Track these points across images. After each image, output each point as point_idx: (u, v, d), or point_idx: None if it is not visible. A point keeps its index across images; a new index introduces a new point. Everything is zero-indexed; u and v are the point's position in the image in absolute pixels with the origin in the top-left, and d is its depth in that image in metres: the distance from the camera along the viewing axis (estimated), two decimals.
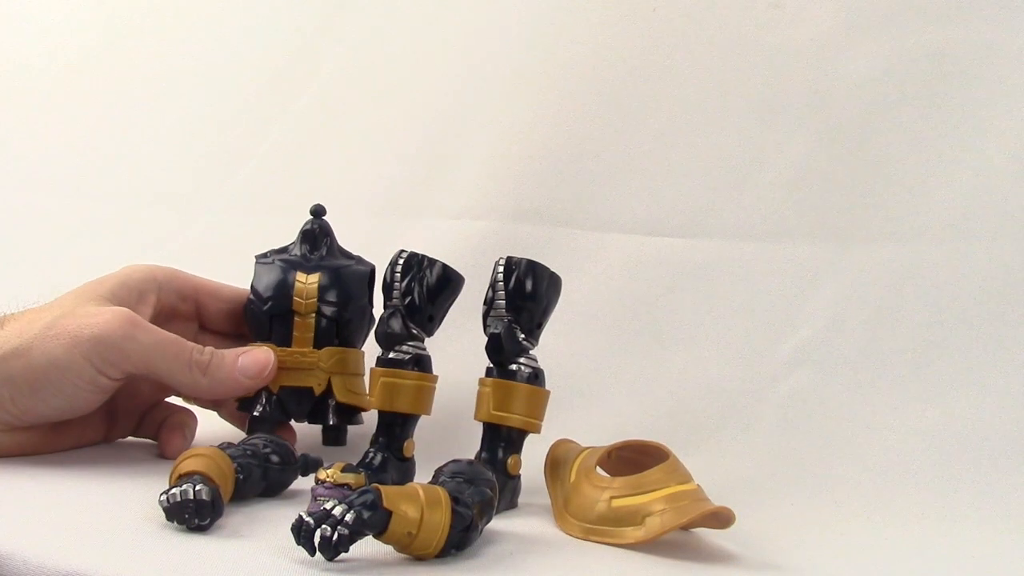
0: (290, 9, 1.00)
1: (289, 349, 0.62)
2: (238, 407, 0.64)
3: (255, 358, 0.61)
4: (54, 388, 0.56)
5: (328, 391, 0.63)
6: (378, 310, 0.65)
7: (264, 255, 0.65)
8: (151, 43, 1.07)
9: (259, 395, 0.63)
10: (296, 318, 0.63)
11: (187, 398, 0.67)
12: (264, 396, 0.63)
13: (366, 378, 0.64)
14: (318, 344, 0.63)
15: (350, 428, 0.66)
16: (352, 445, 0.66)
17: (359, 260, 0.66)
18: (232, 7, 1.04)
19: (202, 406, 0.67)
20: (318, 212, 0.66)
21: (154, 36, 1.08)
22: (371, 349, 0.61)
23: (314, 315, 0.63)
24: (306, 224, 0.66)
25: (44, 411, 0.57)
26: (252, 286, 0.64)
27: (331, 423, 0.64)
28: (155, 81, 1.06)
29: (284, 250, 0.66)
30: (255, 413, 0.63)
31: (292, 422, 0.65)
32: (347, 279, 0.64)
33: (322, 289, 0.63)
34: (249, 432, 0.63)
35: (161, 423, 0.65)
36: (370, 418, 0.62)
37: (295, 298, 0.63)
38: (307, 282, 0.63)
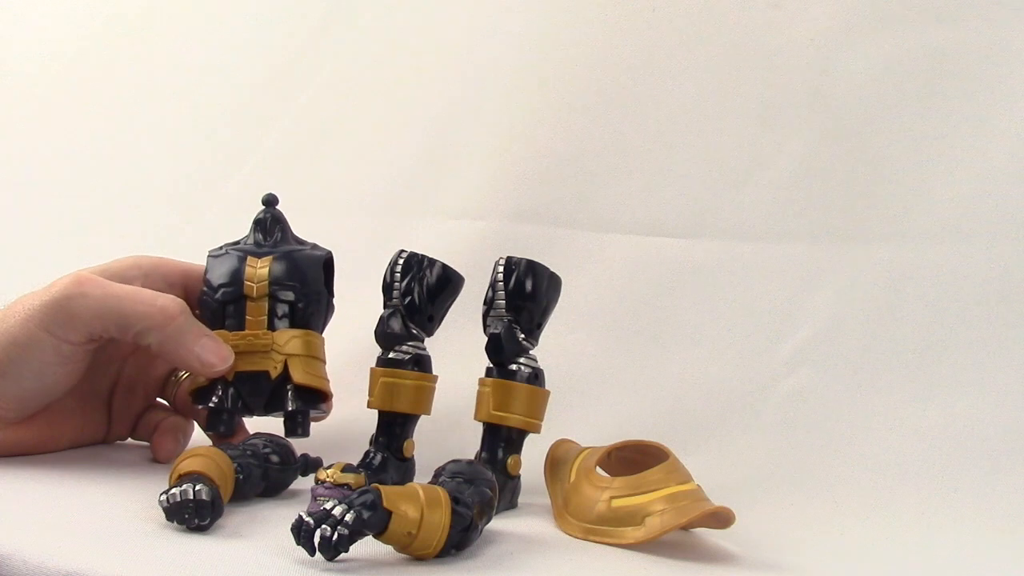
0: (290, 9, 1.00)
1: (242, 332, 0.61)
2: (193, 400, 0.62)
3: (216, 347, 0.59)
4: (21, 366, 0.55)
5: (284, 376, 0.61)
6: (338, 297, 0.65)
7: (217, 248, 0.64)
8: (151, 42, 1.07)
9: (214, 385, 0.61)
10: (248, 302, 0.61)
11: (164, 394, 0.66)
12: (220, 386, 0.60)
13: (329, 367, 0.63)
14: (272, 327, 0.61)
15: (343, 426, 0.65)
16: (352, 445, 0.65)
17: (314, 246, 0.65)
18: (233, 7, 1.04)
19: (179, 409, 0.66)
20: (270, 201, 0.65)
21: (154, 35, 1.07)
22: (371, 349, 0.61)
23: (266, 299, 0.61)
24: (258, 214, 0.65)
25: (19, 393, 0.57)
26: (205, 278, 0.62)
27: (289, 408, 0.61)
28: (155, 80, 1.06)
29: (237, 242, 0.65)
30: (211, 404, 0.61)
31: (253, 416, 0.62)
32: (300, 262, 0.63)
33: (274, 272, 0.62)
34: (208, 426, 0.62)
35: (155, 427, 0.64)
36: (369, 417, 0.61)
37: (246, 282, 0.61)
38: (257, 266, 0.62)
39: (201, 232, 0.97)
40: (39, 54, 1.13)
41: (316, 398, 0.62)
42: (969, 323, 0.71)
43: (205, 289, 0.62)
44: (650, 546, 0.49)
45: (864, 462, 0.68)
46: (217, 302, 0.61)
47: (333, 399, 0.64)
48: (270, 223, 0.64)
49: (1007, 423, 0.67)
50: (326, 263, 0.64)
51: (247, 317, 0.61)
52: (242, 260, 0.62)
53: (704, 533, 0.53)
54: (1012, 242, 0.71)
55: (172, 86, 1.04)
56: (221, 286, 0.62)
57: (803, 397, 0.72)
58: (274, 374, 0.61)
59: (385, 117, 0.92)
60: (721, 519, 0.49)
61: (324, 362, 0.63)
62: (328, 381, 0.63)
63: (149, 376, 0.66)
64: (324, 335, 0.64)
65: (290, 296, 0.62)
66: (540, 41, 0.87)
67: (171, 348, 0.58)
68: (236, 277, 0.62)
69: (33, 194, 1.06)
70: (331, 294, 0.65)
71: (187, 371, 0.61)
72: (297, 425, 0.62)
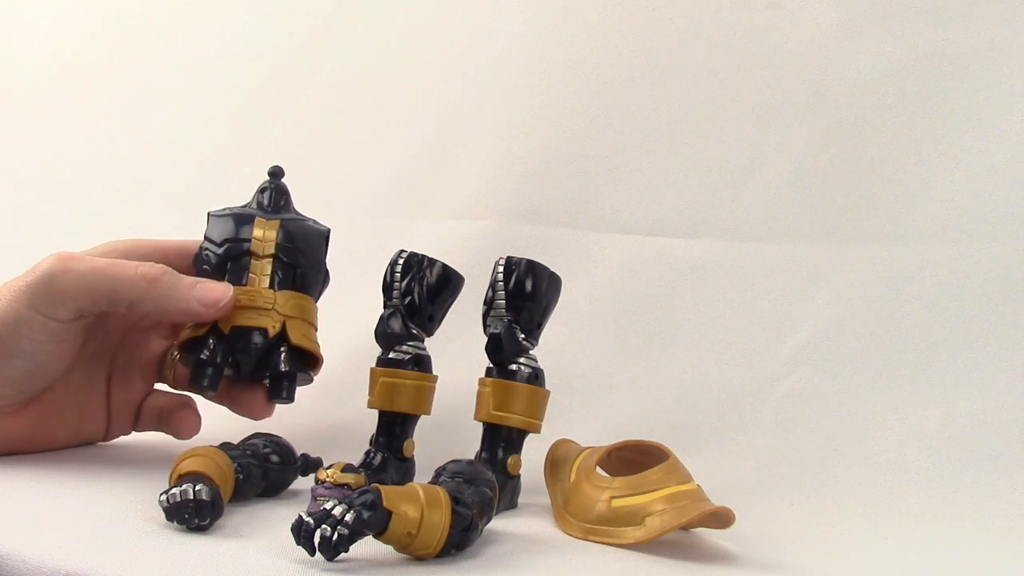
0: (290, 9, 1.00)
1: (245, 287, 0.60)
2: (183, 351, 0.61)
3: (210, 286, 0.58)
4: (11, 346, 0.55)
5: (280, 337, 0.60)
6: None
7: (219, 209, 0.64)
8: (151, 42, 1.07)
9: (207, 337, 0.59)
10: (253, 260, 0.61)
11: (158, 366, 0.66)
12: (212, 339, 0.60)
13: (329, 367, 0.63)
14: (273, 287, 0.61)
15: (344, 426, 0.64)
16: (352, 445, 0.65)
17: (315, 221, 0.65)
18: (233, 7, 1.04)
19: (179, 388, 0.66)
20: (276, 173, 0.65)
21: (154, 35, 1.08)
22: (371, 349, 0.61)
23: (272, 258, 0.61)
24: (263, 184, 0.65)
25: (12, 374, 0.56)
26: (206, 235, 0.62)
27: (283, 369, 0.60)
28: (155, 80, 1.06)
29: (241, 206, 0.64)
30: (202, 356, 0.59)
31: (240, 377, 0.61)
32: (305, 231, 0.63)
33: (282, 234, 0.61)
34: (192, 378, 0.60)
35: (161, 410, 0.64)
36: (369, 417, 0.61)
37: (254, 239, 0.61)
38: (266, 227, 0.62)
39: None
40: (39, 54, 1.14)
41: (306, 365, 0.62)
42: (969, 323, 0.71)
43: (206, 245, 0.62)
44: (650, 546, 0.49)
45: (864, 462, 0.68)
46: (219, 256, 0.61)
47: (321, 368, 0.63)
48: (275, 193, 0.64)
49: (1007, 423, 0.67)
50: (326, 237, 0.64)
51: (250, 274, 0.61)
52: (250, 219, 0.62)
53: (704, 533, 0.53)
54: (1012, 242, 0.72)
55: (172, 86, 1.04)
56: (227, 240, 0.61)
57: (803, 397, 0.72)
58: (272, 332, 0.60)
59: (385, 117, 0.92)
60: (721, 519, 0.49)
61: (317, 329, 0.63)
62: (318, 344, 0.62)
63: (143, 359, 0.65)
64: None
65: (294, 260, 0.62)
66: (540, 41, 0.87)
67: (168, 306, 0.58)
68: (243, 234, 0.61)
69: (33, 194, 1.06)
70: (326, 266, 0.65)
71: (191, 322, 0.60)
72: (283, 388, 0.61)
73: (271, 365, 0.61)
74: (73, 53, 1.11)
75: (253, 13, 1.02)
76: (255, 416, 0.62)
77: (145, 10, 1.09)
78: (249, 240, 0.61)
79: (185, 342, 0.61)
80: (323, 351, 0.63)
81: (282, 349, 0.60)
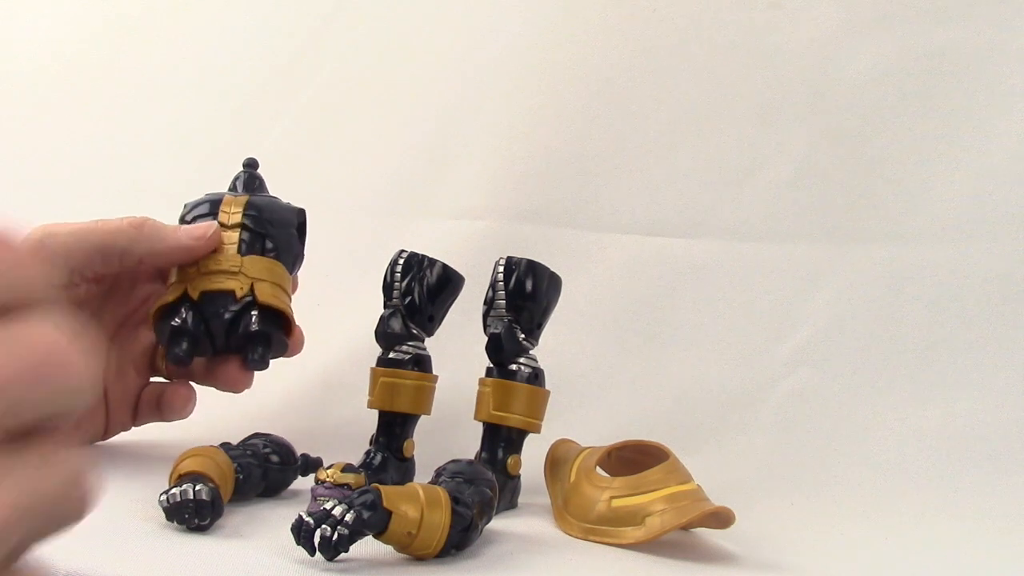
0: (290, 9, 1.00)
1: (213, 254, 0.61)
2: (156, 320, 0.61)
3: (196, 223, 0.61)
4: None
5: (250, 301, 0.60)
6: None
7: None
8: (151, 42, 1.07)
9: (179, 304, 0.59)
10: (222, 231, 0.62)
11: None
12: (184, 307, 0.60)
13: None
14: (241, 253, 0.61)
15: (343, 426, 0.64)
16: (352, 445, 0.65)
17: (289, 203, 0.66)
18: (233, 7, 1.04)
19: (172, 378, 0.66)
20: (251, 164, 0.66)
21: (154, 35, 1.08)
22: (371, 349, 0.61)
23: (239, 228, 0.62)
24: (237, 176, 0.66)
25: None
26: (181, 217, 0.63)
27: (253, 329, 0.59)
28: (155, 80, 1.06)
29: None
30: (174, 323, 0.59)
31: (214, 348, 0.61)
32: (275, 206, 0.64)
33: (250, 207, 0.62)
34: (168, 352, 0.60)
35: (157, 398, 0.64)
36: (369, 417, 0.61)
37: (221, 211, 0.62)
38: (234, 202, 0.63)
39: None
40: (39, 54, 1.13)
41: (279, 327, 0.61)
42: (969, 323, 0.71)
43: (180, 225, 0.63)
44: (650, 546, 0.49)
45: (864, 462, 0.68)
46: None
47: (303, 336, 0.63)
48: (248, 179, 0.66)
49: (1007, 423, 0.67)
50: (300, 221, 0.65)
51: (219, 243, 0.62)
52: (219, 198, 0.63)
53: (704, 533, 0.53)
54: (1012, 242, 0.72)
55: (172, 86, 1.04)
56: (196, 217, 0.63)
57: (803, 397, 0.72)
58: (240, 294, 0.60)
59: (385, 117, 0.92)
60: (721, 519, 0.49)
61: (289, 296, 0.63)
62: (290, 305, 0.62)
63: (136, 351, 0.65)
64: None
65: (262, 229, 0.62)
66: (540, 41, 0.87)
67: (160, 246, 0.59)
68: (212, 209, 0.63)
69: (33, 194, 1.06)
70: (301, 244, 0.65)
71: (182, 261, 0.61)
72: (256, 350, 0.60)
73: (243, 330, 0.60)
74: (73, 53, 1.11)
75: (253, 13, 1.02)
76: (234, 388, 0.62)
77: (145, 10, 1.08)
78: (218, 212, 0.62)
79: (159, 311, 0.60)
80: (323, 351, 0.63)
81: (252, 312, 0.60)
